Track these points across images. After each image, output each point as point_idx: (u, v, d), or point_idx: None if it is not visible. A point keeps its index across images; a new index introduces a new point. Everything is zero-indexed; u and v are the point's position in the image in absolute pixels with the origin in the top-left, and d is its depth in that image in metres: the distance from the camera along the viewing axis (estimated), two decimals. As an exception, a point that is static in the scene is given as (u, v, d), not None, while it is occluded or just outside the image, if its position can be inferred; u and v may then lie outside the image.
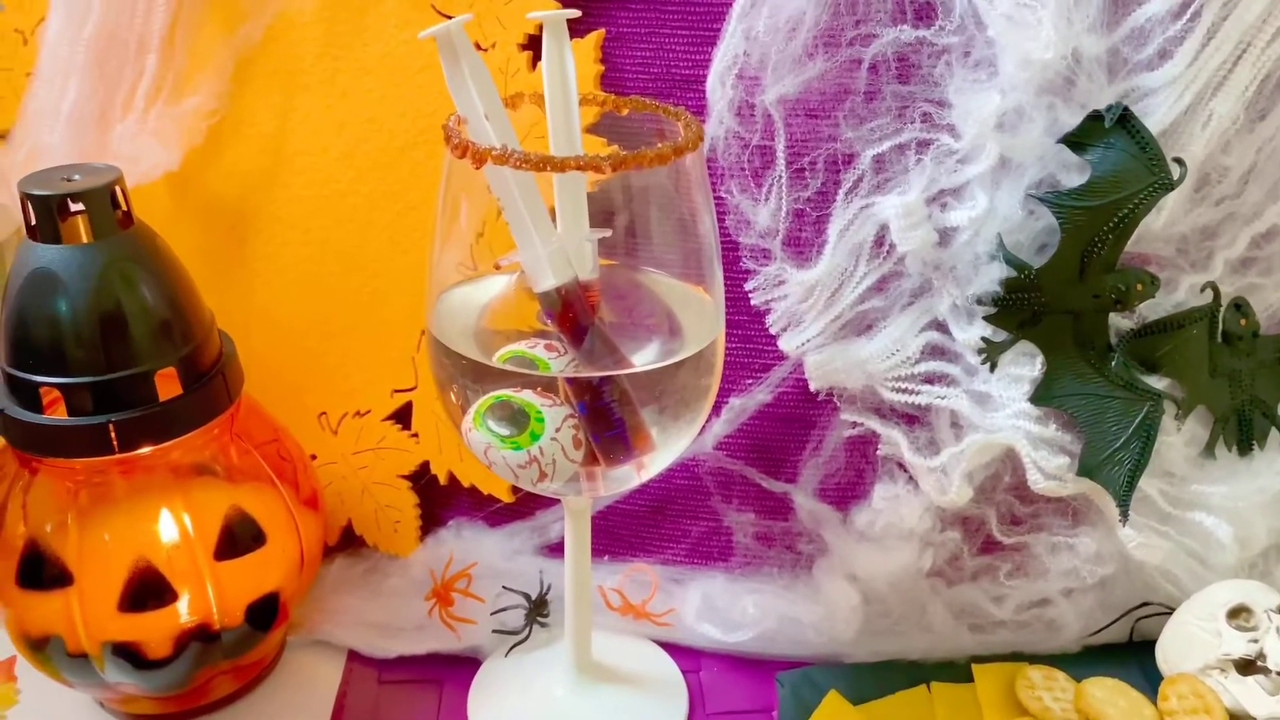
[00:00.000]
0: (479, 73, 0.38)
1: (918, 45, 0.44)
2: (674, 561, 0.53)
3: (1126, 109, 0.43)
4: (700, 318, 0.42)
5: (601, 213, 0.45)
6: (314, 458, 0.56)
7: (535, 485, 0.40)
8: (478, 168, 0.36)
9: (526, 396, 0.39)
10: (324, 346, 0.56)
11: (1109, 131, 0.44)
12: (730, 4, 0.46)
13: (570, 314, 0.40)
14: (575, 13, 0.40)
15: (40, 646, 0.44)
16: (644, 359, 0.41)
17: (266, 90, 0.54)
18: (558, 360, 0.40)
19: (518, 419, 0.39)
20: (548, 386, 0.40)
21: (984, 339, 0.47)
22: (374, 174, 0.53)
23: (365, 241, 0.54)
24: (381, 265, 0.54)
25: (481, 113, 0.39)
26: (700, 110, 0.48)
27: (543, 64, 0.40)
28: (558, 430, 0.39)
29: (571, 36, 0.49)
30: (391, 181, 0.53)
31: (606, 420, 0.40)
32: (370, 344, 0.55)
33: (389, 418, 0.55)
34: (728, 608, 0.51)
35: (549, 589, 0.52)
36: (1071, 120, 0.44)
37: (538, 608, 0.52)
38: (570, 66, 0.40)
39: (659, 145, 0.36)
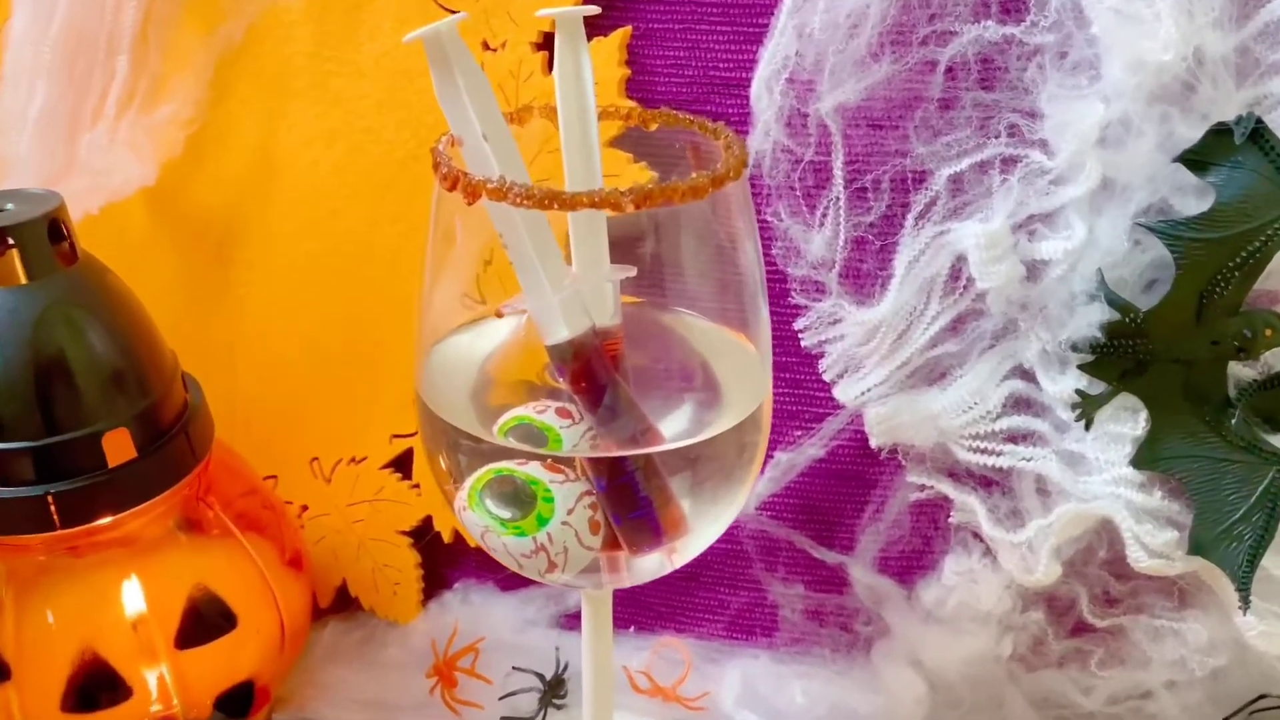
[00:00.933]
0: (477, 84, 0.32)
1: (1004, 45, 0.37)
2: (710, 636, 0.47)
3: (1259, 121, 0.36)
4: (742, 372, 0.36)
5: (625, 239, 0.38)
6: (305, 509, 0.50)
7: (544, 576, 0.34)
8: (470, 203, 0.30)
9: (533, 470, 0.33)
10: (316, 384, 0.49)
11: (1237, 148, 0.36)
12: (780, 2, 0.39)
13: (586, 371, 0.33)
14: (594, 9, 0.34)
15: (-23, 744, 0.38)
16: (675, 426, 0.35)
17: (251, 96, 0.48)
18: (571, 429, 0.33)
19: (521, 498, 0.33)
20: (559, 458, 0.33)
21: (1078, 391, 0.39)
22: (371, 191, 0.47)
23: (362, 267, 0.48)
24: (380, 294, 0.48)
25: (479, 132, 0.32)
26: (743, 120, 0.42)
27: (555, 71, 0.33)
28: (570, 512, 0.33)
29: (592, 35, 0.42)
30: (391, 200, 0.47)
31: (630, 499, 0.33)
32: (367, 383, 0.48)
33: (387, 465, 0.49)
34: (772, 694, 0.45)
35: (566, 668, 0.46)
36: (1190, 135, 0.37)
37: (553, 689, 0.45)
38: (587, 74, 0.33)
39: (694, 175, 0.29)
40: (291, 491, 0.50)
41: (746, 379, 0.36)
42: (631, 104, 0.35)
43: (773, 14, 0.40)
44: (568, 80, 0.33)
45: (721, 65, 0.42)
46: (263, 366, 0.50)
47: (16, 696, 0.37)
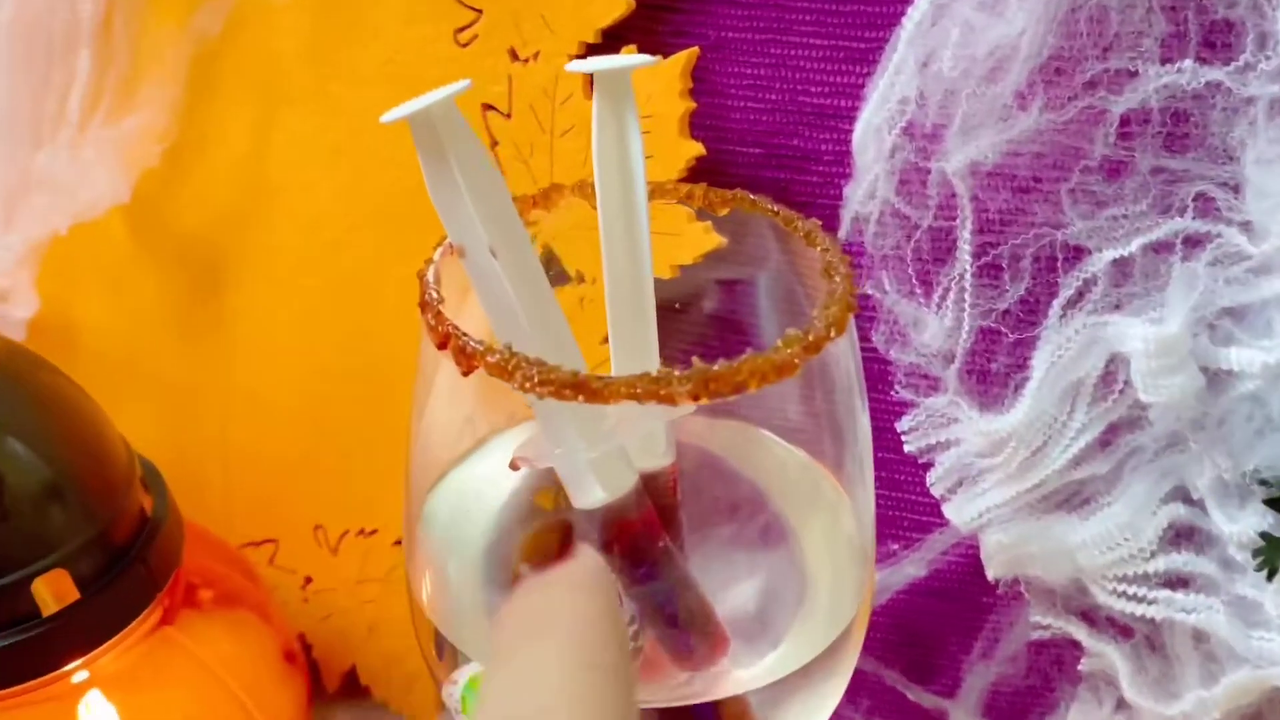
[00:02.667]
0: (483, 177, 0.23)
1: (1206, 94, 0.27)
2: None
3: None
4: (834, 535, 0.27)
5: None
6: (309, 580, 0.43)
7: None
8: (466, 374, 0.21)
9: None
10: (318, 443, 0.42)
11: None
12: (895, 11, 0.30)
13: (626, 545, 0.25)
14: (649, 59, 0.25)
15: None
16: (745, 608, 0.27)
17: (236, 99, 0.40)
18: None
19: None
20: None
21: (1264, 534, 0.31)
22: (378, 221, 0.39)
23: (369, 310, 0.40)
24: (390, 342, 0.40)
25: (485, 243, 0.23)
26: (840, 159, 0.33)
27: (594, 148, 0.25)
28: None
29: (649, 53, 0.33)
30: (402, 234, 0.38)
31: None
32: (377, 445, 0.41)
33: (401, 541, 0.42)
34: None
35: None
36: None
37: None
38: (636, 151, 0.24)
39: (780, 343, 0.21)
40: (294, 559, 0.43)
41: (840, 544, 0.27)
42: (694, 186, 0.26)
43: (884, 29, 0.30)
44: (609, 156, 0.25)
45: (814, 89, 0.33)
46: (259, 416, 0.43)
47: None
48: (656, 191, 0.27)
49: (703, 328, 0.32)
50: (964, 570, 0.35)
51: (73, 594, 0.30)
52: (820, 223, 0.25)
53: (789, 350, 0.21)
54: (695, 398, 0.20)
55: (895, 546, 0.36)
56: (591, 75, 0.24)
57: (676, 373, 0.20)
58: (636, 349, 0.26)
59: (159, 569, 0.32)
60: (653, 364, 0.26)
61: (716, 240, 0.30)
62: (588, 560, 0.19)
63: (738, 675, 0.26)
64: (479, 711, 0.18)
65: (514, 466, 0.26)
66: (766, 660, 0.26)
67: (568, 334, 0.25)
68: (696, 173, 0.33)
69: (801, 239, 0.24)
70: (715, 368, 0.20)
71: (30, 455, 0.30)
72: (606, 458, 0.25)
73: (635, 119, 0.24)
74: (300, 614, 0.43)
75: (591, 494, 0.25)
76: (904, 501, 0.36)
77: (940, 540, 0.35)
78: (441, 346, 0.21)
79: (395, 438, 0.40)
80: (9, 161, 0.41)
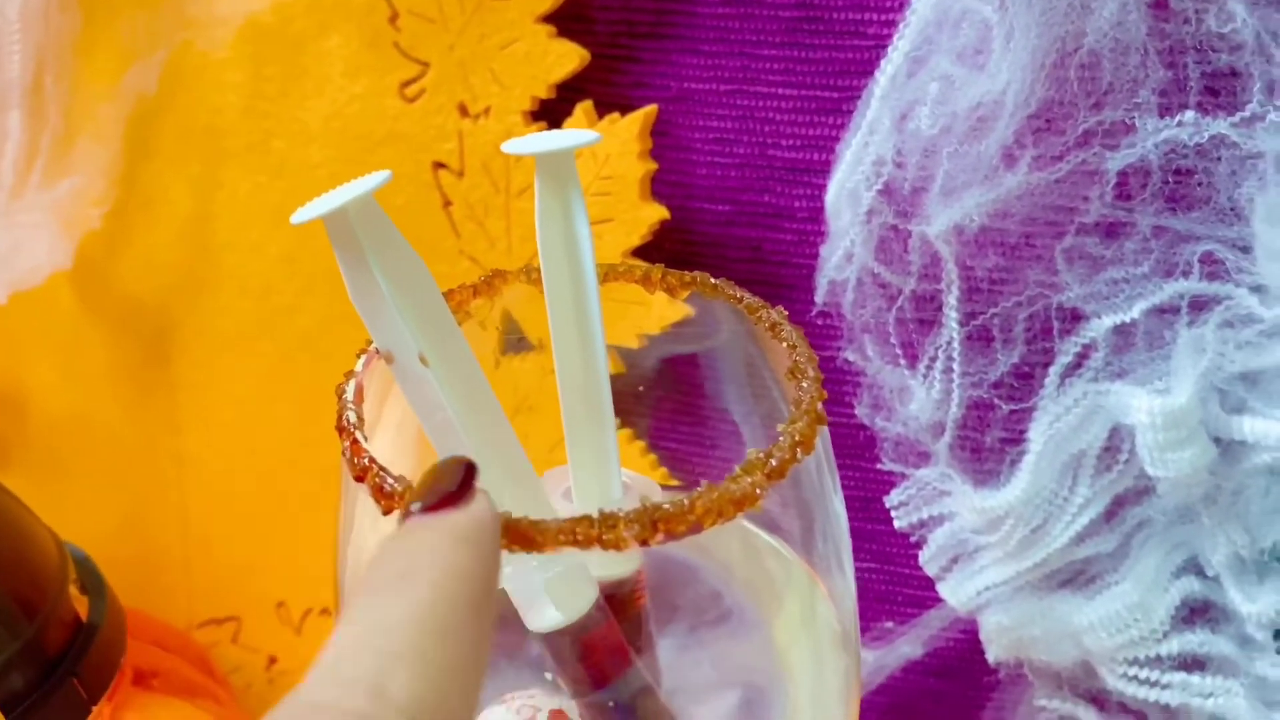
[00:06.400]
0: (407, 276, 0.21)
1: (1209, 148, 0.25)
2: None
3: None
4: (813, 634, 0.25)
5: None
6: (273, 660, 0.41)
7: None
8: (385, 514, 0.19)
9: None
10: (276, 515, 0.40)
11: None
12: (868, 58, 0.28)
13: (588, 667, 0.23)
14: (593, 137, 0.22)
15: None
16: (718, 705, 0.24)
17: (178, 158, 0.37)
18: (566, 758, 0.23)
19: None
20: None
21: (1284, 614, 0.28)
22: (327, 284, 0.36)
23: (324, 375, 0.37)
24: (349, 411, 0.37)
25: (414, 350, 0.21)
26: (814, 217, 0.30)
27: (538, 235, 0.22)
28: None
29: (606, 111, 0.31)
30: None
31: None
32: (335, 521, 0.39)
33: (369, 621, 0.39)
34: None
35: None
36: None
37: None
38: (583, 232, 0.22)
39: (739, 471, 0.18)
40: (258, 638, 0.41)
41: (821, 633, 0.25)
42: (652, 268, 0.24)
43: (857, 77, 0.28)
44: (554, 243, 0.22)
45: (784, 143, 0.30)
46: (215, 489, 0.40)
47: None
48: (610, 274, 0.24)
49: (667, 400, 0.29)
50: (963, 647, 0.33)
51: (-3, 716, 0.28)
52: (786, 313, 0.22)
53: (749, 479, 0.18)
54: (643, 542, 0.18)
55: (889, 624, 0.33)
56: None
57: (622, 513, 0.18)
58: (593, 451, 0.24)
59: (96, 680, 0.30)
60: (611, 468, 0.24)
61: (684, 310, 0.28)
62: (479, 510, 0.17)
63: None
64: (321, 655, 0.17)
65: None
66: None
67: (512, 442, 0.22)
68: (662, 232, 0.31)
69: (767, 331, 0.22)
70: (666, 506, 0.18)
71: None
72: (563, 575, 0.22)
73: (581, 202, 0.22)
74: (266, 695, 0.41)
75: (547, 616, 0.23)
76: (898, 575, 0.33)
77: (937, 617, 0.33)
78: (359, 479, 0.19)
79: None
80: (-57, 230, 0.39)
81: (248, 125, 0.36)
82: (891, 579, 0.33)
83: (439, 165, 0.33)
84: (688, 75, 0.30)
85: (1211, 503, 0.28)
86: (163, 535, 0.42)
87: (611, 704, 0.23)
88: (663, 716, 0.24)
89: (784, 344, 0.21)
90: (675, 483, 0.31)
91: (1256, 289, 0.26)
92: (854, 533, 0.26)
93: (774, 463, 0.18)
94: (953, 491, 0.30)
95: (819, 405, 0.20)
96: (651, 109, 0.29)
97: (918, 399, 0.29)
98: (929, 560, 0.31)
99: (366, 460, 0.19)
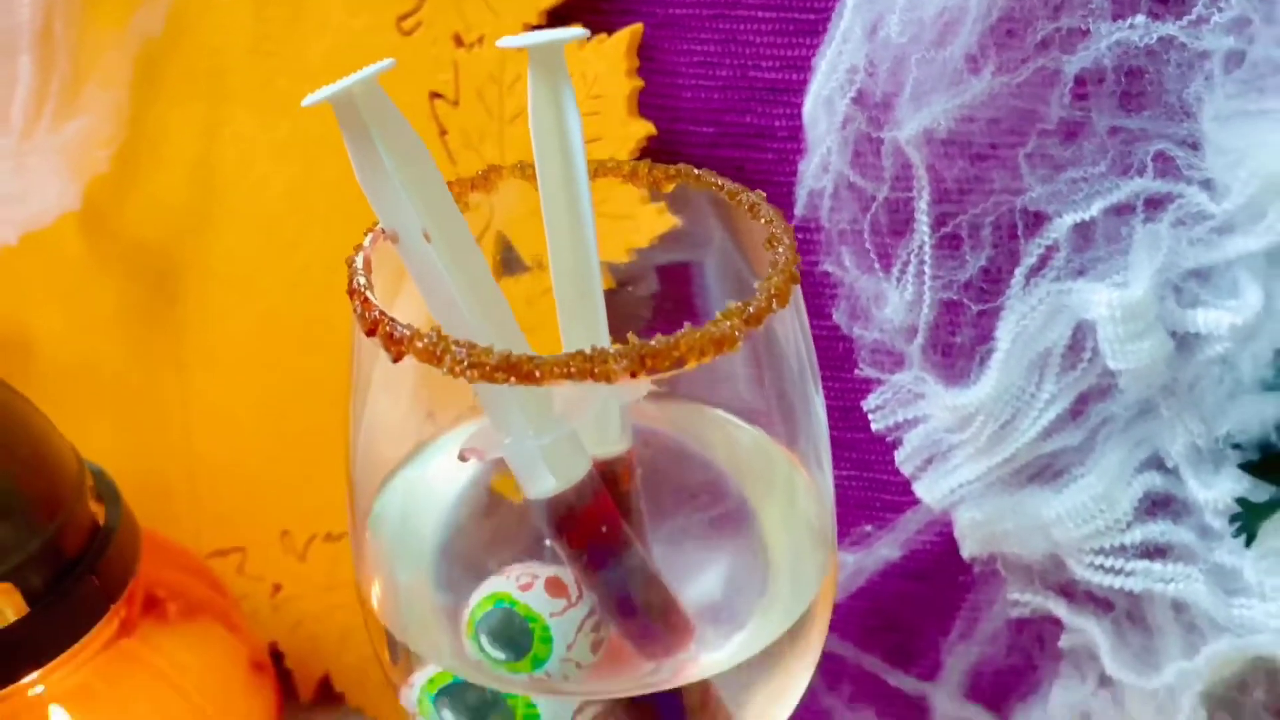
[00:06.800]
0: (412, 160, 0.22)
1: (1159, 49, 0.27)
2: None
3: None
4: (792, 513, 0.27)
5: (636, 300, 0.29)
6: (278, 588, 0.42)
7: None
8: (395, 360, 0.21)
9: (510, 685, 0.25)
10: (281, 446, 0.41)
11: None
12: (841, -24, 0.29)
13: (583, 534, 0.25)
14: (580, 32, 0.24)
15: None
16: (708, 594, 0.26)
17: (183, 99, 0.39)
18: (564, 617, 0.25)
19: (489, 714, 0.25)
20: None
21: (1240, 500, 0.30)
22: (329, 219, 0.38)
23: (324, 311, 0.39)
24: (349, 339, 0.39)
25: (418, 228, 0.23)
26: (793, 135, 0.32)
27: (530, 125, 0.24)
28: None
29: (595, 32, 0.32)
30: (355, 228, 0.37)
31: (651, 714, 0.25)
32: (340, 446, 0.40)
33: (370, 545, 0.41)
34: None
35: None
36: None
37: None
38: (574, 126, 0.24)
39: (720, 316, 0.20)
40: (263, 567, 0.42)
41: (800, 523, 0.27)
42: (638, 162, 0.25)
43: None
44: (547, 134, 0.24)
45: (765, 64, 0.32)
46: (221, 422, 0.42)
47: None
48: (599, 170, 0.26)
49: (654, 310, 0.31)
50: (939, 550, 0.35)
51: (21, 608, 0.29)
52: (765, 194, 0.24)
53: (728, 323, 0.20)
54: (633, 374, 0.19)
55: (868, 528, 0.35)
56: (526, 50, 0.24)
57: (612, 349, 0.19)
58: (585, 328, 0.25)
59: (112, 580, 0.31)
60: (601, 338, 0.25)
61: (671, 221, 0.30)
62: None
63: (703, 661, 0.25)
64: None
65: (463, 458, 0.25)
66: (731, 644, 0.25)
67: (509, 318, 0.24)
68: (648, 153, 0.33)
69: (746, 212, 0.24)
70: (652, 343, 0.19)
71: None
72: (558, 444, 0.24)
73: (571, 94, 0.24)
74: (271, 623, 0.43)
75: (544, 483, 0.24)
76: (875, 481, 0.35)
77: (913, 520, 0.34)
78: (370, 333, 0.21)
79: (357, 438, 0.39)
80: (-42, 172, 0.40)
81: (251, 65, 0.37)
82: (869, 485, 0.35)
83: (435, 95, 0.35)
84: (671, 2, 0.32)
85: (1169, 394, 0.30)
86: (169, 472, 0.43)
87: (604, 569, 0.25)
88: (652, 584, 0.26)
89: (761, 220, 0.23)
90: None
91: (1206, 185, 0.28)
92: (834, 442, 0.28)
93: (752, 310, 0.20)
94: (926, 394, 0.32)
95: (793, 266, 0.21)
96: (637, 27, 0.31)
97: (891, 303, 0.31)
98: (905, 460, 0.32)
99: (376, 313, 0.21)
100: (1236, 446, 0.30)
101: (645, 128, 0.32)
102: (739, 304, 0.20)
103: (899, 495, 0.35)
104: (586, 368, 0.19)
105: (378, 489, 0.26)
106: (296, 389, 0.40)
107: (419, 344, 0.20)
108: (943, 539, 0.34)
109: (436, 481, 0.26)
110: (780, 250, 0.22)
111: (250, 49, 0.37)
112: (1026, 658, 0.35)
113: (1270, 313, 0.28)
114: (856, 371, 0.32)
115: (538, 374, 0.19)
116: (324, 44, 0.36)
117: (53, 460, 0.31)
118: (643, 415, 0.27)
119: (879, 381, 0.32)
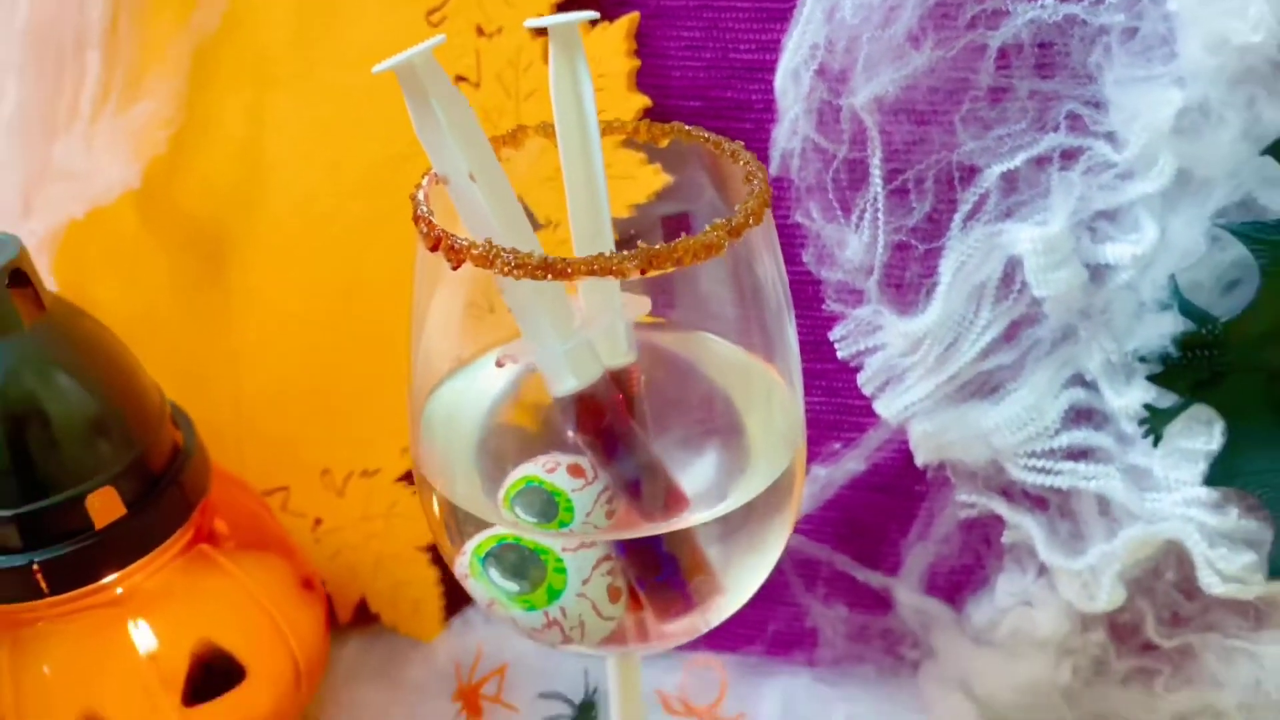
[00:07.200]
0: (460, 116, 0.28)
1: (1066, 25, 0.33)
2: (748, 654, 0.44)
3: (1362, 105, 0.31)
4: (770, 412, 0.32)
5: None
6: (319, 522, 0.48)
7: (560, 648, 0.31)
8: (455, 268, 0.26)
9: (542, 537, 0.30)
10: (323, 394, 0.46)
11: (1335, 137, 0.32)
12: (805, -29, 0.35)
13: (598, 425, 0.30)
14: (591, 14, 0.29)
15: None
16: (701, 477, 0.31)
17: (233, 86, 0.44)
18: (584, 491, 0.30)
19: (528, 569, 0.30)
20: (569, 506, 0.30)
21: (1147, 406, 0.36)
22: (366, 190, 0.43)
23: (362, 271, 0.44)
24: (381, 299, 0.44)
25: (465, 171, 0.28)
26: (768, 107, 0.37)
27: (551, 89, 0.29)
28: (586, 582, 0.30)
29: (599, 21, 0.38)
30: (387, 199, 0.43)
31: (653, 562, 0.30)
32: (375, 391, 0.45)
33: (402, 478, 0.46)
34: (815, 715, 0.42)
35: (595, 691, 0.44)
36: (1280, 121, 0.32)
37: (584, 714, 0.43)
38: (587, 91, 0.29)
39: (709, 229, 0.26)
40: (305, 504, 0.48)
41: (775, 420, 0.32)
42: (639, 121, 0.31)
43: (797, -10, 0.35)
44: (566, 99, 0.30)
45: (743, 47, 0.38)
46: (268, 375, 0.47)
47: (18, 765, 0.35)
48: (606, 129, 0.31)
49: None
50: (898, 464, 0.40)
51: (119, 510, 0.35)
52: (743, 144, 0.29)
53: (715, 233, 0.25)
54: (642, 271, 0.25)
55: (837, 445, 0.41)
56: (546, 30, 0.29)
57: (626, 253, 0.25)
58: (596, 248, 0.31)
59: (191, 492, 0.37)
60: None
61: (665, 179, 0.35)
62: None
63: (692, 518, 0.31)
64: None
65: (499, 364, 0.31)
66: (716, 511, 0.30)
67: (536, 243, 0.29)
68: (645, 125, 0.38)
69: (728, 158, 0.29)
70: (656, 247, 0.25)
71: (78, 391, 0.34)
72: (577, 350, 0.29)
73: (585, 63, 0.29)
74: (312, 554, 0.48)
75: (566, 383, 0.30)
76: (843, 405, 0.41)
77: (875, 437, 0.40)
78: (434, 248, 0.26)
79: (390, 382, 0.45)
80: (28, 154, 0.45)
81: (295, 57, 0.43)
82: (838, 409, 0.41)
83: (460, 78, 0.40)
84: (662, -6, 0.38)
85: (1086, 318, 0.36)
86: (219, 421, 0.48)
87: (614, 454, 0.30)
88: (656, 467, 0.31)
89: (740, 163, 0.29)
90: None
91: (1109, 138, 0.34)
92: (807, 372, 0.33)
93: (733, 224, 0.26)
94: (883, 324, 0.38)
95: (766, 195, 0.27)
96: (634, 15, 0.37)
97: (851, 246, 0.37)
98: (866, 381, 0.38)
99: (439, 232, 0.26)
100: (1143, 360, 0.35)
101: (643, 100, 0.37)
102: (723, 220, 0.26)
103: (862, 417, 0.40)
104: (606, 265, 0.24)
105: (430, 391, 0.31)
106: (333, 341, 0.46)
107: (475, 251, 0.25)
108: (900, 454, 0.40)
109: (478, 388, 0.32)
110: (755, 184, 0.27)
111: (293, 43, 0.43)
112: (976, 555, 0.40)
113: (1165, 244, 0.34)
114: (824, 308, 0.38)
115: (569, 270, 0.25)
116: (359, 37, 0.41)
117: (141, 389, 0.37)
118: (646, 339, 0.32)
119: (843, 316, 0.38)
